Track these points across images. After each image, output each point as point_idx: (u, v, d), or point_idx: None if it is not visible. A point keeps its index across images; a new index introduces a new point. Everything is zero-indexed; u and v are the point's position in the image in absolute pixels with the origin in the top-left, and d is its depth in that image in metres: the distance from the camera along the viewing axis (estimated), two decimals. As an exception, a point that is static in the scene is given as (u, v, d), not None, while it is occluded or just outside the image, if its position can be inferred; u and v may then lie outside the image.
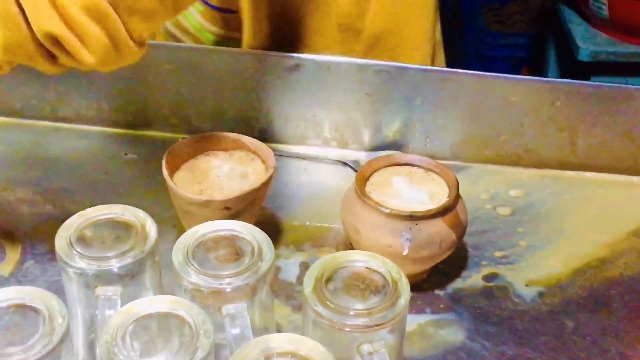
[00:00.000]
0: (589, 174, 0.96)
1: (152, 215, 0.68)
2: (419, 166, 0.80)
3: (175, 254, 0.64)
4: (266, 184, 0.76)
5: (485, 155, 0.96)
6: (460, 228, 0.76)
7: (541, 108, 0.93)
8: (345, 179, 0.92)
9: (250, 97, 0.95)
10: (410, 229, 0.73)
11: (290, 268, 0.80)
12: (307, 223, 0.86)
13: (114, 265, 0.63)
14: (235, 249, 0.65)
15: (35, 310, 0.58)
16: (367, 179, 0.78)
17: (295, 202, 0.89)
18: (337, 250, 0.82)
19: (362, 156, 0.96)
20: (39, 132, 0.99)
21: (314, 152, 0.97)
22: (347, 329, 0.59)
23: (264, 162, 0.80)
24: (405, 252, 0.73)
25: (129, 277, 0.64)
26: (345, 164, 0.95)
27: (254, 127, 0.96)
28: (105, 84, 0.97)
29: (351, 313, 0.59)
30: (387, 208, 0.73)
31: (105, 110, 0.99)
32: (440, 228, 0.74)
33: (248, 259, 0.64)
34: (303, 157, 0.96)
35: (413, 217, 0.73)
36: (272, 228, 0.84)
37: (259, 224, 0.70)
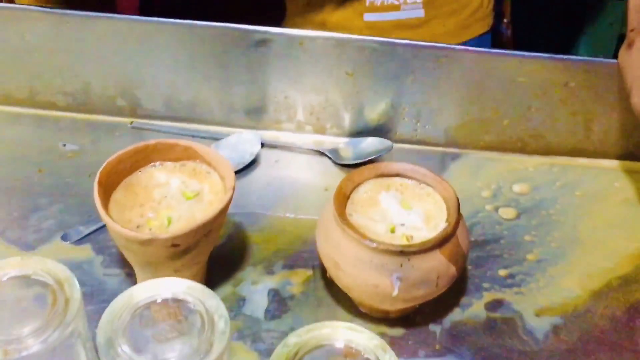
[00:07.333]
0: (606, 162, 0.76)
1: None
2: (410, 177, 0.61)
3: (99, 334, 0.45)
4: (223, 211, 0.56)
5: (485, 141, 0.76)
6: (461, 259, 0.57)
7: (552, 89, 0.72)
8: (322, 172, 0.73)
9: (209, 77, 0.74)
10: (402, 265, 0.54)
11: (257, 298, 0.61)
12: (278, 234, 0.67)
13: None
14: (179, 321, 0.47)
15: None
16: (348, 197, 0.59)
17: (264, 204, 0.70)
18: (313, 272, 0.63)
19: (342, 143, 0.76)
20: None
21: (286, 139, 0.77)
22: None
23: (222, 178, 0.59)
24: (395, 293, 0.55)
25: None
26: (322, 153, 0.75)
27: (214, 111, 0.75)
28: (36, 60, 0.75)
29: None
30: (374, 242, 0.54)
31: (39, 90, 0.77)
32: (437, 262, 0.55)
33: (197, 334, 0.45)
34: (273, 146, 0.76)
35: (404, 253, 0.54)
36: (236, 243, 0.65)
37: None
